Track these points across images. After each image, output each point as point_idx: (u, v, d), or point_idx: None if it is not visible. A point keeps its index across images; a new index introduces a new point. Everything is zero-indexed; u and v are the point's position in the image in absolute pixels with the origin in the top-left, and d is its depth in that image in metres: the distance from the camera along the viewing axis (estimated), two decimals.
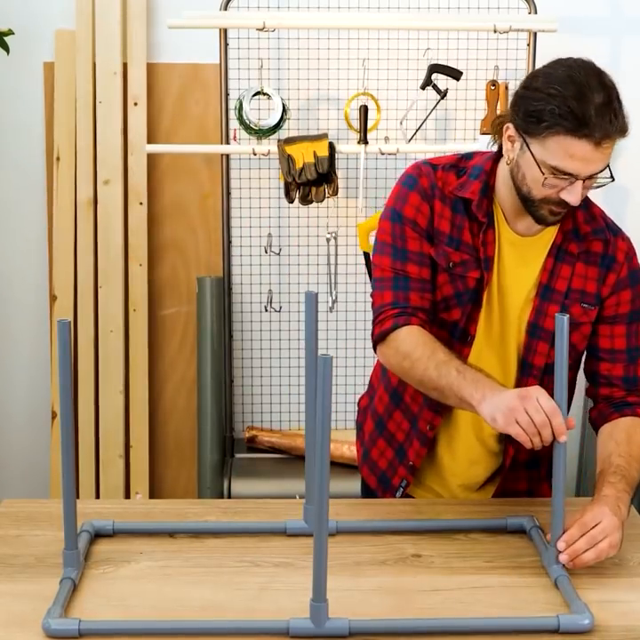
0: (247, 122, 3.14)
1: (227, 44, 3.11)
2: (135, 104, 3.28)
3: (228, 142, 3.16)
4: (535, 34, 3.03)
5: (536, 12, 3.06)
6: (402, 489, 2.03)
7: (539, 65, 3.01)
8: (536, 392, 1.66)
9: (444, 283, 1.90)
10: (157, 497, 3.46)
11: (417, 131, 3.12)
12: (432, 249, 1.88)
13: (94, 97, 3.27)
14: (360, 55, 3.17)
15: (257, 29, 3.01)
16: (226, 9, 3.09)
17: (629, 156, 3.38)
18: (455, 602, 1.62)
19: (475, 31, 3.12)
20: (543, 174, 1.74)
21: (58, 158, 3.30)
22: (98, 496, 3.37)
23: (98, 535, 1.80)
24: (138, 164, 3.31)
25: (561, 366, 1.64)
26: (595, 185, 1.81)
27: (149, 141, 3.29)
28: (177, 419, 3.49)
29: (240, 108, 3.14)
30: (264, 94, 3.14)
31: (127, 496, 3.40)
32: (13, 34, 3.10)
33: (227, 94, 3.14)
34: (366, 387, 2.18)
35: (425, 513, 1.93)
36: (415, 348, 1.82)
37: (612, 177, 1.82)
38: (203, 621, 1.55)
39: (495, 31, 2.98)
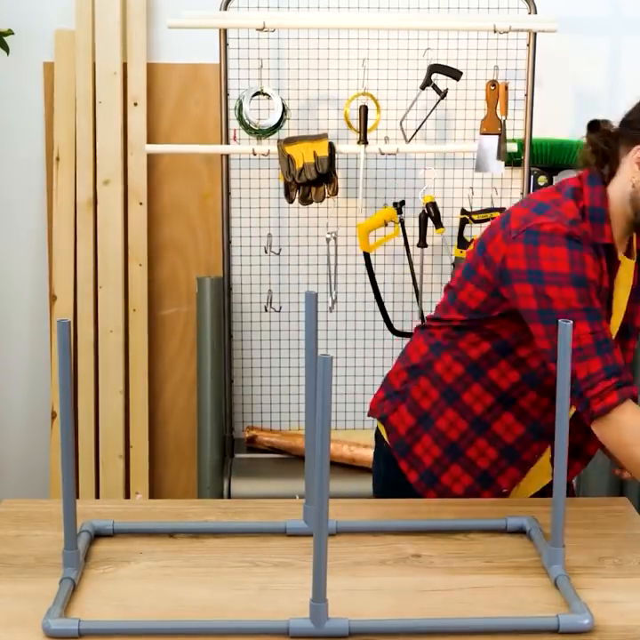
0: (247, 122, 3.14)
1: (226, 44, 3.11)
2: (135, 104, 3.28)
3: (227, 142, 3.16)
4: (535, 34, 3.03)
5: (536, 13, 3.06)
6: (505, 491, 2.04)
7: (538, 65, 3.05)
8: None
9: None
10: (157, 497, 3.46)
11: (417, 131, 3.12)
12: None
13: (94, 97, 3.27)
14: (360, 55, 3.17)
15: (257, 29, 3.01)
16: (226, 9, 3.09)
17: None
18: (455, 602, 1.62)
19: (475, 31, 3.12)
20: None
21: (58, 158, 3.30)
22: (98, 496, 3.37)
23: (98, 535, 1.80)
24: (138, 165, 3.31)
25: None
26: None
27: (149, 141, 3.29)
28: (177, 419, 3.49)
29: (240, 108, 3.14)
30: (264, 94, 3.15)
31: (127, 496, 3.40)
32: (13, 34, 3.10)
33: (226, 94, 3.14)
34: (386, 394, 2.10)
35: (425, 513, 1.93)
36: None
37: None
38: (202, 621, 1.55)
39: (495, 31, 2.98)
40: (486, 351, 1.94)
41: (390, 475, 2.09)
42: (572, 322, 1.56)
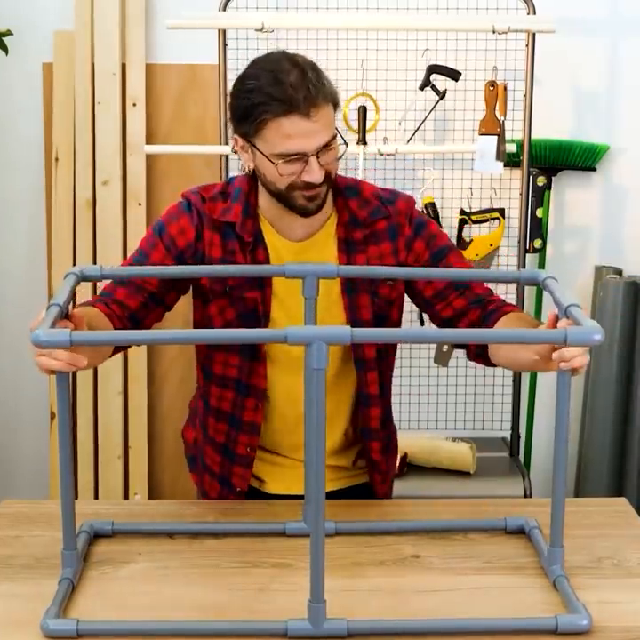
0: None
1: (225, 45, 3.11)
2: (134, 105, 3.28)
3: (226, 143, 3.16)
4: (534, 34, 3.03)
5: (535, 13, 3.06)
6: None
7: (537, 65, 3.05)
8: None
9: (225, 307, 1.94)
10: (156, 498, 3.45)
11: (416, 131, 3.12)
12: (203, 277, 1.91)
13: (93, 98, 3.27)
14: (359, 56, 3.17)
15: (256, 30, 3.00)
16: (225, 9, 3.09)
17: (630, 155, 3.39)
18: (454, 602, 1.62)
19: (473, 32, 3.12)
20: (274, 164, 1.78)
21: (57, 159, 3.30)
22: (97, 497, 3.37)
23: (97, 535, 1.80)
24: (136, 165, 3.31)
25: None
26: (335, 157, 1.83)
27: (148, 142, 3.29)
28: (176, 420, 3.49)
29: None
30: None
31: (126, 497, 3.40)
32: (12, 34, 3.10)
33: (225, 95, 3.14)
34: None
35: (424, 514, 1.93)
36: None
37: (345, 142, 1.86)
38: (201, 622, 1.55)
39: (494, 32, 2.98)
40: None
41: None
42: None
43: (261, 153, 1.80)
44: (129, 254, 2.04)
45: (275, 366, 1.95)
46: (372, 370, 1.97)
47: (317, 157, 1.78)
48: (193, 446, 2.15)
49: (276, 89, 1.76)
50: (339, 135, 1.84)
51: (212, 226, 1.92)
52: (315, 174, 1.79)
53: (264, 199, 1.91)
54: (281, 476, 2.03)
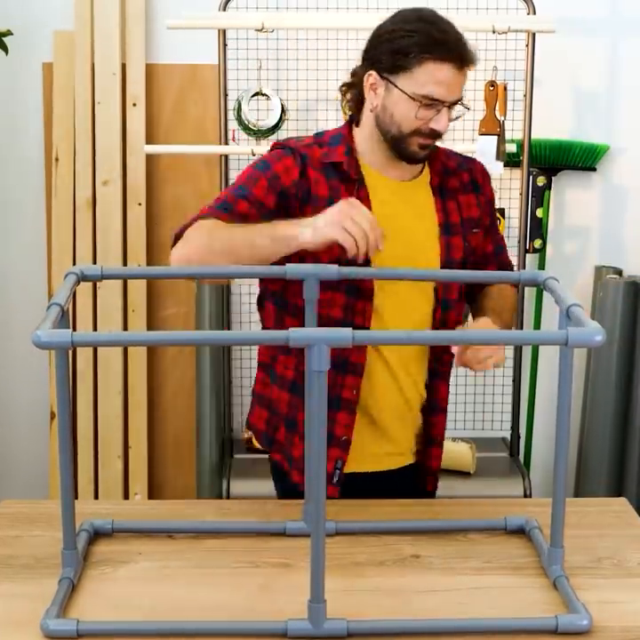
0: (246, 122, 3.13)
1: (225, 45, 3.11)
2: (134, 105, 3.28)
3: (226, 143, 3.16)
4: (534, 34, 3.03)
5: (534, 13, 3.06)
6: (338, 471, 2.04)
7: (537, 65, 3.05)
8: (358, 202, 1.81)
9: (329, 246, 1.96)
10: (156, 497, 3.46)
11: None
12: (314, 211, 1.90)
13: (93, 98, 3.27)
14: (359, 56, 3.16)
15: (256, 30, 3.00)
16: (225, 9, 3.09)
17: (630, 155, 3.39)
18: (454, 602, 1.62)
19: (473, 31, 3.12)
20: (416, 101, 1.88)
21: (57, 159, 3.30)
22: (96, 497, 3.37)
23: (97, 534, 1.80)
24: (137, 165, 3.31)
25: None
26: (454, 117, 1.98)
27: (148, 142, 3.29)
28: (176, 419, 3.49)
29: (239, 109, 3.14)
30: (263, 95, 3.14)
31: (126, 496, 3.40)
32: (12, 34, 3.10)
33: (225, 95, 3.14)
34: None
35: (424, 513, 1.93)
36: (212, 227, 1.89)
37: (468, 107, 1.99)
38: (201, 622, 1.55)
39: (494, 32, 2.98)
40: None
41: (273, 474, 2.16)
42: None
43: (401, 91, 1.90)
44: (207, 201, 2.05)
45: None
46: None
47: (449, 110, 1.93)
48: (268, 425, 2.12)
49: (442, 36, 1.89)
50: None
51: (315, 166, 1.98)
52: (442, 123, 1.94)
53: (369, 144, 2.01)
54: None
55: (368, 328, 1.97)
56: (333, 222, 1.77)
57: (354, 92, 2.01)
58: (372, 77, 1.95)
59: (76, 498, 1.82)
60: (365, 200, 1.96)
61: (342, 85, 2.05)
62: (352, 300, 1.97)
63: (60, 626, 1.51)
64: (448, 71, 1.89)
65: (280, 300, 2.03)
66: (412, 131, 1.93)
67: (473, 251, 2.08)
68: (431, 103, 1.90)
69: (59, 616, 1.53)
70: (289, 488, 2.07)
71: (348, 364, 1.99)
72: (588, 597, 1.60)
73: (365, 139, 2.01)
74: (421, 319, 2.03)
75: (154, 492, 3.48)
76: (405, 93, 1.90)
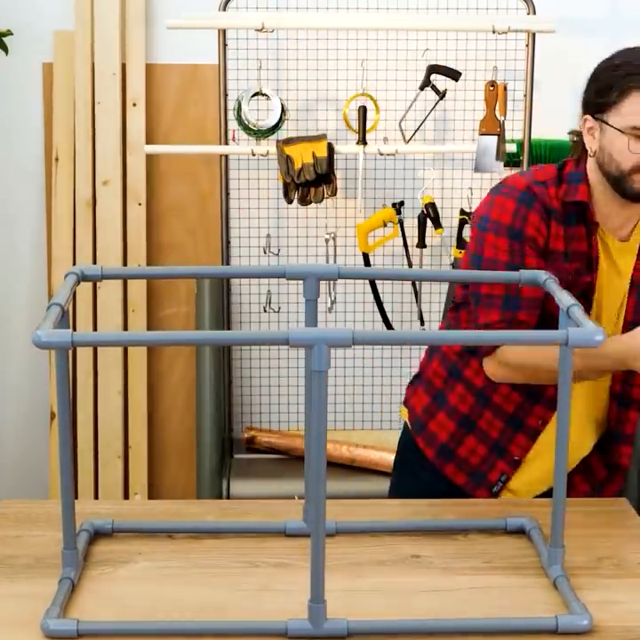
0: (246, 122, 3.13)
1: (225, 45, 3.11)
2: (134, 105, 3.28)
3: (226, 143, 3.16)
4: (534, 34, 3.03)
5: (535, 13, 3.06)
6: (501, 483, 2.07)
7: (537, 65, 3.04)
8: None
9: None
10: (156, 498, 3.46)
11: (416, 131, 3.12)
12: (548, 267, 1.87)
13: (93, 98, 3.27)
14: (359, 56, 3.17)
15: (256, 30, 3.01)
16: (225, 9, 3.09)
17: None
18: (454, 602, 1.62)
19: (473, 32, 3.12)
20: (626, 134, 1.82)
21: (57, 159, 3.30)
22: (96, 497, 3.37)
23: (97, 534, 1.80)
24: (137, 165, 3.31)
25: (565, 396, 1.63)
26: None
27: (148, 142, 3.29)
28: (176, 419, 3.49)
29: (239, 109, 3.13)
30: (263, 95, 3.14)
31: (126, 497, 3.40)
32: (12, 34, 3.10)
33: (225, 95, 3.14)
34: (411, 381, 2.20)
35: (424, 513, 1.93)
36: (528, 352, 1.88)
37: None
38: (201, 622, 1.55)
39: (494, 32, 2.98)
40: None
41: (407, 452, 2.18)
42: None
43: (613, 127, 1.85)
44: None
45: None
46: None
47: None
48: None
49: None
50: None
51: (556, 216, 1.92)
52: None
53: (596, 190, 1.94)
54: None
55: None
56: None
57: (579, 142, 1.97)
58: (588, 122, 1.92)
59: (76, 498, 1.81)
60: (595, 247, 1.93)
61: (571, 134, 2.02)
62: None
63: (61, 626, 1.51)
64: None
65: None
66: (631, 167, 1.85)
67: None
68: None
69: (59, 616, 1.53)
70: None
71: (542, 397, 2.00)
72: (588, 597, 1.60)
73: (593, 185, 1.94)
74: None
75: (154, 492, 3.48)
76: (616, 128, 1.85)
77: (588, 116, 1.92)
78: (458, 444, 2.09)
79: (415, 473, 2.16)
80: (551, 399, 1.95)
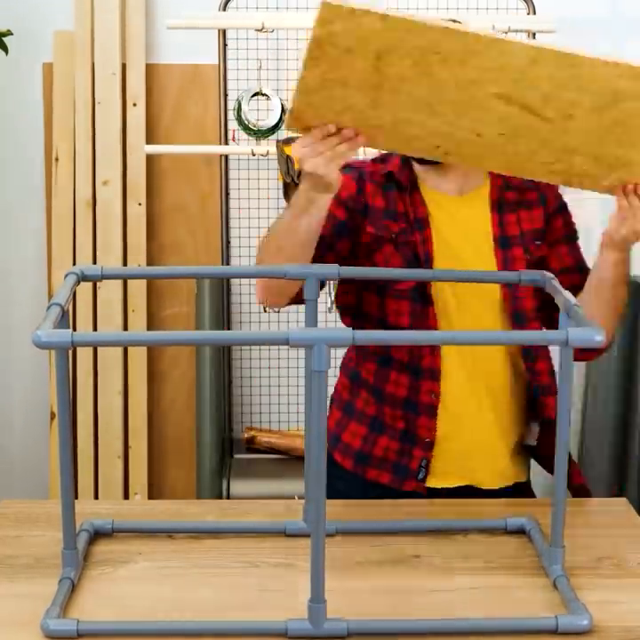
0: (246, 122, 3.14)
1: (225, 45, 3.11)
2: (134, 104, 3.28)
3: (226, 143, 3.16)
4: (534, 34, 3.03)
5: (535, 13, 3.06)
6: (423, 469, 2.04)
7: None
8: None
9: (391, 254, 1.98)
10: (156, 497, 3.45)
11: None
12: (369, 223, 1.97)
13: (93, 98, 3.27)
14: None
15: (256, 30, 3.01)
16: (225, 9, 3.09)
17: None
18: (454, 602, 1.62)
19: None
20: None
21: (57, 159, 3.30)
22: (97, 497, 3.37)
23: (97, 534, 1.80)
24: (137, 165, 3.31)
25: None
26: None
27: (148, 142, 3.29)
28: (176, 419, 3.49)
29: (239, 109, 3.14)
30: (263, 95, 3.14)
31: (126, 496, 3.40)
32: (12, 34, 3.10)
33: (225, 95, 3.14)
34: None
35: (424, 513, 1.93)
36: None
37: None
38: (201, 622, 1.55)
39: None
40: None
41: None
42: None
43: None
44: None
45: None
46: (533, 320, 2.02)
47: None
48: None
49: None
50: None
51: (372, 180, 2.01)
52: None
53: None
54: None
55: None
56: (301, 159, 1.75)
57: None
58: None
59: (76, 498, 1.82)
60: (421, 205, 1.99)
61: None
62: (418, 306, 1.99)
63: (61, 626, 1.51)
64: None
65: (357, 313, 2.06)
66: None
67: (541, 263, 2.03)
68: None
69: (59, 616, 1.53)
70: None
71: (423, 371, 2.00)
72: (588, 597, 1.60)
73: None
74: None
75: (154, 492, 3.48)
76: None
77: None
78: (372, 445, 2.07)
79: (334, 486, 2.14)
80: (432, 369, 1.98)
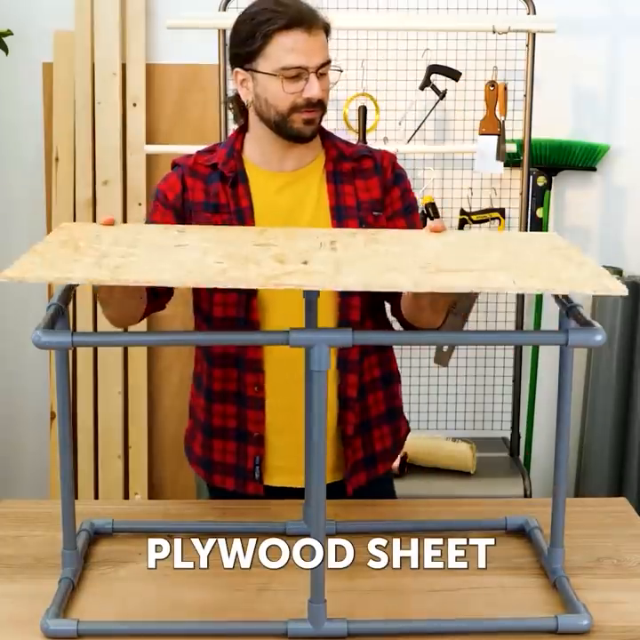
0: None
1: (225, 45, 3.10)
2: (134, 105, 3.28)
3: None
4: (534, 34, 3.03)
5: (535, 13, 3.06)
6: (257, 466, 2.03)
7: (537, 65, 3.05)
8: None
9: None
10: (156, 497, 3.45)
11: (416, 131, 3.12)
12: (192, 217, 1.98)
13: (93, 98, 3.27)
14: (359, 56, 3.17)
15: None
16: (225, 9, 3.09)
17: (630, 156, 3.39)
18: (454, 603, 1.62)
19: (474, 32, 3.12)
20: (278, 76, 1.88)
21: (57, 159, 3.30)
22: (97, 497, 3.37)
23: (97, 534, 1.80)
24: (137, 165, 3.31)
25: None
26: (330, 84, 1.95)
27: (148, 142, 3.29)
28: (176, 419, 3.49)
29: None
30: None
31: (126, 496, 3.40)
32: (12, 34, 3.10)
33: (225, 95, 3.14)
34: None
35: (424, 513, 1.93)
36: None
37: (340, 69, 1.97)
38: (201, 622, 1.55)
39: (494, 32, 2.98)
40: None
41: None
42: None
43: (264, 73, 1.90)
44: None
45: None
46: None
47: (317, 75, 1.90)
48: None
49: (279, 7, 1.90)
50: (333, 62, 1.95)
51: (193, 173, 2.01)
52: (315, 90, 1.90)
53: (253, 143, 2.00)
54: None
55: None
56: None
57: (236, 102, 2.02)
58: (239, 75, 1.96)
59: (76, 498, 1.81)
60: (245, 197, 1.98)
61: (226, 101, 2.08)
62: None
63: (60, 626, 1.51)
64: (297, 37, 1.88)
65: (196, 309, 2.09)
66: (288, 108, 1.91)
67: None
68: (295, 74, 1.89)
69: (59, 616, 1.53)
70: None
71: (244, 362, 1.99)
72: (588, 597, 1.60)
73: (253, 138, 2.01)
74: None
75: (154, 492, 3.48)
76: (267, 73, 1.90)
77: (239, 69, 1.96)
78: (210, 450, 2.07)
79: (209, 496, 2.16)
80: (254, 360, 1.97)
